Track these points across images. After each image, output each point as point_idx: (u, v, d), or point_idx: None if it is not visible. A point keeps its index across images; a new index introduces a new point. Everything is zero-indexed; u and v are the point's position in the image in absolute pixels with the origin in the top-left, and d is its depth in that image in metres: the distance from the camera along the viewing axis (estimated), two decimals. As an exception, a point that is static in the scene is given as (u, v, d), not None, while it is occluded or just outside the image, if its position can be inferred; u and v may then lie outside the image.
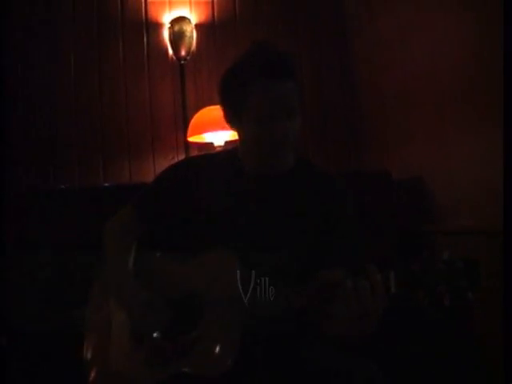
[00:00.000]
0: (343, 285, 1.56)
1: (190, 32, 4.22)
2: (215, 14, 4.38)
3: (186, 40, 4.19)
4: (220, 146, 3.83)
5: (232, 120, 1.96)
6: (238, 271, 1.76)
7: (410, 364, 2.63)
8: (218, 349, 1.76)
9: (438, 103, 3.30)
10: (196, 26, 4.30)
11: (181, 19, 4.23)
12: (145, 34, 4.24)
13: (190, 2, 4.34)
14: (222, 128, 3.54)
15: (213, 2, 4.38)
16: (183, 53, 4.19)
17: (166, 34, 4.26)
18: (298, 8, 4.53)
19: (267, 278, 1.78)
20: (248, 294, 1.73)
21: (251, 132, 1.89)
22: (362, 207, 1.98)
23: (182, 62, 4.20)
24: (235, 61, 1.91)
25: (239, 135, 2.00)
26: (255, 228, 1.89)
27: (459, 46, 3.07)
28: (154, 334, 1.88)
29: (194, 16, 4.32)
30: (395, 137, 3.86)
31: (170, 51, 4.24)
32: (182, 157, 4.08)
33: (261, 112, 1.83)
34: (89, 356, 2.00)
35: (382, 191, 3.29)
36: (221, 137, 3.82)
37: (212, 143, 3.89)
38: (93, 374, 1.96)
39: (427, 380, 2.60)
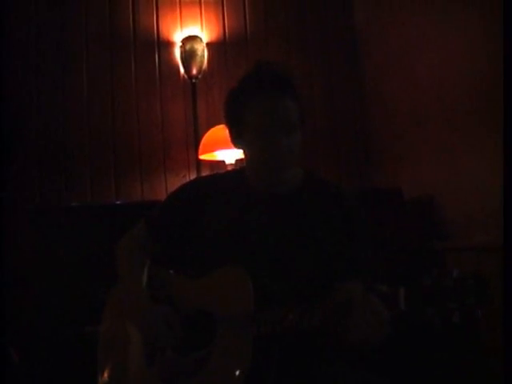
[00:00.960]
0: (358, 301, 1.58)
1: (202, 51, 4.25)
2: (226, 32, 4.41)
3: (198, 59, 4.22)
4: (231, 164, 3.84)
5: (236, 139, 2.00)
6: (250, 288, 1.77)
7: (420, 378, 2.63)
8: (229, 366, 1.76)
9: (449, 120, 3.31)
10: (207, 44, 4.33)
11: (192, 38, 4.26)
12: (156, 53, 4.28)
13: (202, 21, 4.37)
14: (233, 146, 3.56)
15: (224, 20, 4.41)
16: (194, 71, 4.21)
17: (177, 53, 4.29)
18: (308, 25, 4.55)
19: (280, 294, 1.80)
20: (261, 311, 1.75)
21: (251, 147, 1.94)
22: (372, 224, 1.98)
23: (194, 80, 4.23)
24: (238, 82, 1.96)
25: (244, 154, 2.02)
26: (266, 245, 1.90)
27: (470, 62, 3.08)
28: (167, 350, 1.89)
29: (205, 35, 4.35)
30: (406, 154, 3.86)
31: (182, 70, 4.26)
32: (193, 175, 4.09)
33: (258, 127, 1.87)
34: (102, 371, 2.01)
35: (392, 208, 3.29)
36: (232, 155, 3.83)
37: (223, 161, 3.90)
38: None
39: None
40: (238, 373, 1.73)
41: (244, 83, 1.94)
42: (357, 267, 1.90)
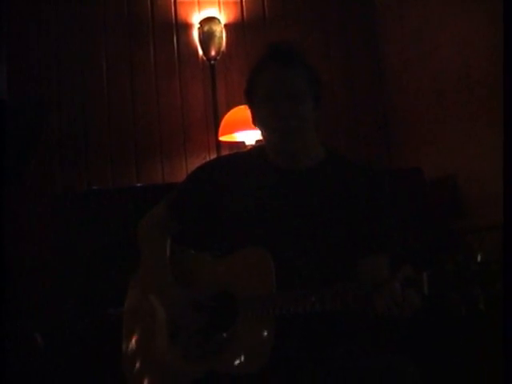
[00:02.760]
0: (383, 289, 1.58)
1: (220, 32, 4.24)
2: (244, 13, 4.39)
3: (216, 40, 4.21)
4: (251, 145, 3.84)
5: (253, 116, 2.01)
6: (272, 269, 1.78)
7: (444, 363, 2.63)
8: (252, 346, 1.77)
9: (471, 99, 3.29)
10: (225, 25, 4.31)
11: (210, 19, 4.25)
12: (175, 35, 4.27)
13: (219, 3, 4.36)
14: (253, 127, 3.55)
15: (241, 1, 4.40)
16: (213, 53, 4.21)
17: (195, 35, 4.28)
18: (327, 5, 4.52)
19: (303, 274, 1.80)
20: (283, 292, 1.75)
21: (262, 120, 1.95)
22: (393, 205, 1.97)
23: (212, 62, 4.22)
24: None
25: (261, 131, 2.03)
26: (288, 223, 1.90)
27: (490, 42, 3.05)
28: (189, 330, 1.91)
29: (223, 16, 4.34)
30: (427, 134, 3.84)
31: (200, 51, 4.26)
32: (213, 156, 4.09)
33: (264, 94, 1.90)
34: (126, 353, 2.04)
35: (413, 189, 3.27)
36: (252, 136, 3.84)
37: (243, 142, 3.91)
38: (131, 371, 2.00)
39: (458, 378, 2.59)
40: (260, 353, 1.74)
41: (257, 62, 1.97)
42: (381, 244, 1.90)
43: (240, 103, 3.80)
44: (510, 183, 2.05)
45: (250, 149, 2.24)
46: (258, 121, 1.99)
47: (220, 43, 4.23)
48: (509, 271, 1.47)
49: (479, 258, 1.49)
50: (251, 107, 2.00)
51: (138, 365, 2.01)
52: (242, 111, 3.66)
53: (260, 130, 2.01)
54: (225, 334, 1.84)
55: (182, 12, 4.30)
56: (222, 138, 3.96)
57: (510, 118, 2.16)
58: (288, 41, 1.99)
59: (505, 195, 2.05)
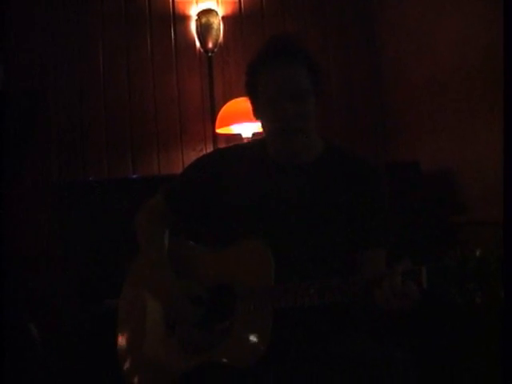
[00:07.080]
0: (382, 283, 1.58)
1: (217, 24, 4.22)
2: (242, 6, 4.38)
3: (214, 32, 4.19)
4: (248, 138, 3.83)
5: (254, 110, 2.01)
6: (271, 261, 1.78)
7: (441, 356, 2.63)
8: (249, 339, 1.77)
9: (468, 94, 3.28)
10: (223, 18, 4.29)
11: (208, 11, 4.23)
12: (172, 27, 4.26)
13: (217, -5, 4.35)
14: (250, 120, 3.53)
15: (239, -6, 4.39)
16: (210, 45, 4.19)
17: (193, 27, 4.26)
18: (324, -1, 4.51)
19: (302, 267, 1.80)
20: (282, 285, 1.75)
21: (265, 117, 1.95)
22: (391, 197, 1.97)
23: (210, 54, 4.20)
24: (254, 53, 1.98)
25: (262, 125, 2.03)
26: (287, 216, 1.90)
27: (489, 35, 3.04)
28: (187, 322, 1.90)
29: (220, 8, 4.32)
30: (424, 127, 3.83)
31: (198, 44, 4.24)
32: (210, 148, 4.09)
33: (268, 93, 1.89)
34: (122, 344, 2.03)
35: (411, 182, 3.27)
36: (249, 128, 3.83)
37: (240, 135, 3.89)
38: (126, 361, 1.99)
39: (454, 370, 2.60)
40: (257, 346, 1.74)
41: (258, 54, 1.96)
42: (379, 237, 1.90)
43: (237, 96, 3.80)
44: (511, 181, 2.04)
45: (250, 142, 2.23)
46: (260, 117, 1.98)
47: (217, 35, 4.21)
48: (509, 270, 1.47)
49: (478, 254, 1.49)
50: (252, 101, 2.00)
51: (132, 357, 2.01)
52: (239, 104, 3.65)
53: (262, 125, 2.01)
54: (222, 327, 1.84)
55: (179, 4, 4.28)
56: (219, 131, 3.95)
57: (510, 116, 2.15)
58: (290, 34, 1.98)
59: (505, 194, 2.04)
